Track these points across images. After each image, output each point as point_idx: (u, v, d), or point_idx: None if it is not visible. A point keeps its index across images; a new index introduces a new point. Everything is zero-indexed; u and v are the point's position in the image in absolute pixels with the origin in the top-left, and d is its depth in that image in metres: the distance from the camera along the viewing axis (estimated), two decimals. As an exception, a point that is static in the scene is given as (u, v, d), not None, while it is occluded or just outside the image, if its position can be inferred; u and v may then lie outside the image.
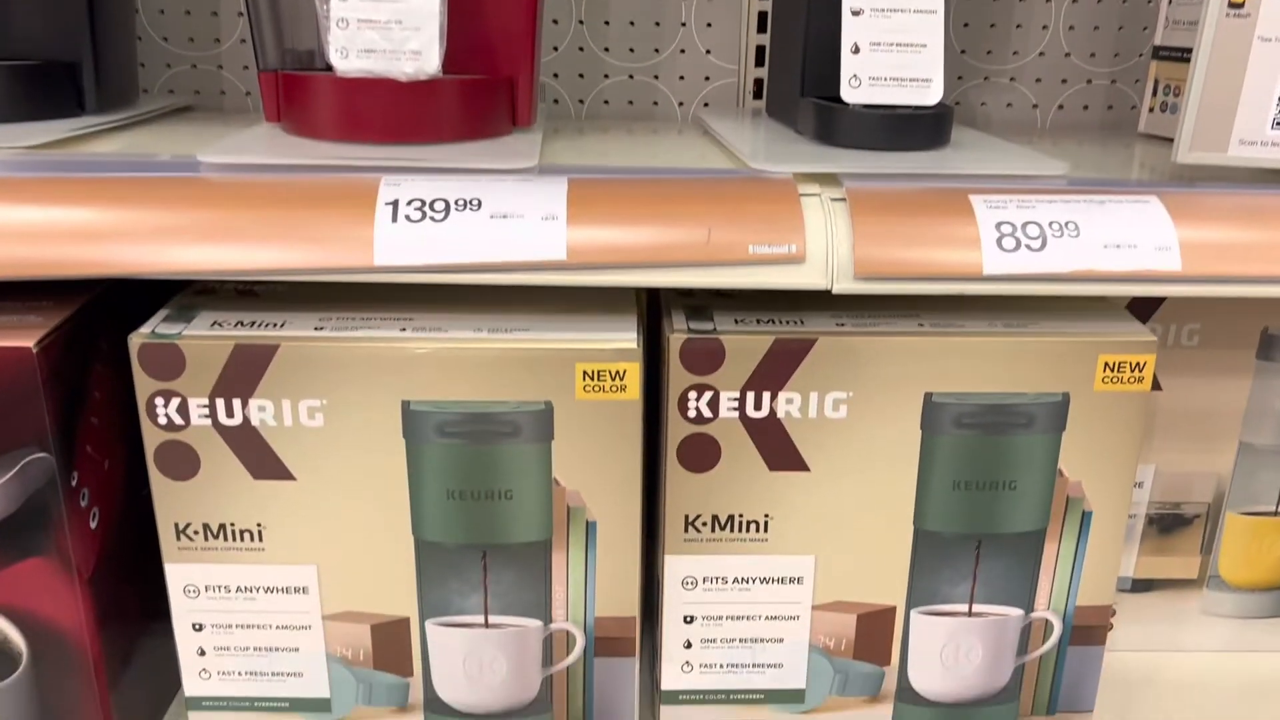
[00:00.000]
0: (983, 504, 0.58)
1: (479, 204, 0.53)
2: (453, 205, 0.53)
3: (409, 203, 0.53)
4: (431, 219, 0.52)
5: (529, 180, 0.55)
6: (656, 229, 0.53)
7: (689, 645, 0.61)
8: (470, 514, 0.57)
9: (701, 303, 0.60)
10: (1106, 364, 0.56)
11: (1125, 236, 0.53)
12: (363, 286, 0.60)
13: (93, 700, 0.59)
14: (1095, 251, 0.53)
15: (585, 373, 0.54)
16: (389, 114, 0.60)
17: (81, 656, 0.58)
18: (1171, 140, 0.58)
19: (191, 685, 0.61)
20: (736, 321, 0.57)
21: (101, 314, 0.59)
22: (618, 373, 0.55)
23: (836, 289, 0.53)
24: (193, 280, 0.61)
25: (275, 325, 0.55)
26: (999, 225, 0.53)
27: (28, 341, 0.52)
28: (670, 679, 0.62)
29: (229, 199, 0.53)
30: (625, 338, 0.55)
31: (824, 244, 0.53)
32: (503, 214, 0.53)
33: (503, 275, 0.53)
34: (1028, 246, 0.53)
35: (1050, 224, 0.54)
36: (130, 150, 0.62)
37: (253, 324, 0.55)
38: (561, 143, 0.70)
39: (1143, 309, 0.67)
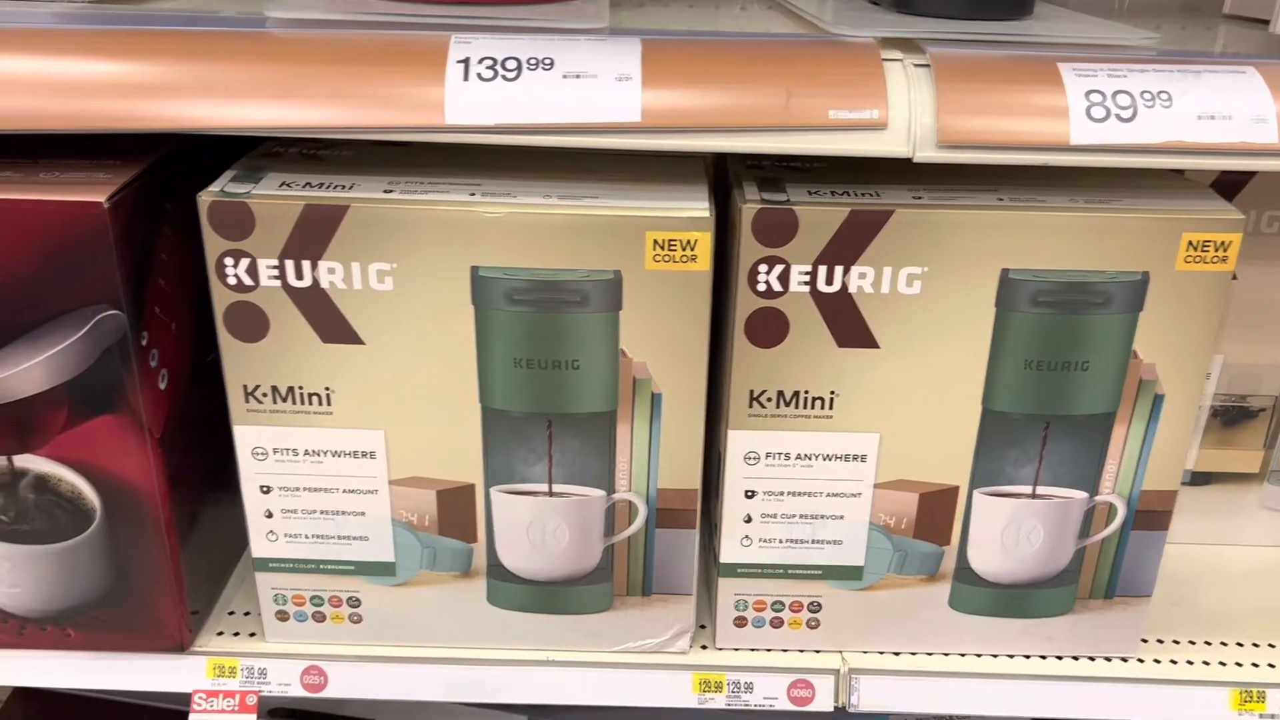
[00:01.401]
0: (1054, 384, 0.58)
1: (551, 63, 0.51)
2: (524, 64, 0.51)
3: (480, 61, 0.51)
4: (504, 78, 0.51)
5: (602, 40, 0.53)
6: (733, 92, 0.52)
7: (749, 520, 0.62)
8: (537, 383, 0.57)
9: (771, 174, 0.59)
10: (1190, 242, 0.55)
11: (1220, 107, 0.51)
12: (429, 150, 0.59)
13: (164, 557, 0.61)
14: (1188, 123, 0.51)
15: (656, 241, 0.54)
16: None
17: (153, 514, 0.60)
18: (1260, 21, 0.56)
19: (259, 546, 0.62)
20: (810, 193, 0.56)
21: (168, 176, 0.59)
22: (689, 242, 0.54)
23: (918, 157, 0.52)
24: (260, 143, 0.61)
25: (344, 187, 0.55)
26: (1088, 94, 0.51)
27: (99, 197, 0.52)
28: (729, 552, 0.63)
29: (296, 55, 0.52)
30: (698, 206, 0.54)
31: (906, 111, 0.52)
32: (575, 74, 0.51)
33: (575, 138, 0.51)
34: (1118, 116, 0.51)
35: (1142, 93, 0.52)
36: (196, 6, 0.61)
37: (320, 185, 0.55)
38: (624, 13, 0.68)
39: (1223, 193, 0.65)
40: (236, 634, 0.66)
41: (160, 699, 0.78)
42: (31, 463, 0.58)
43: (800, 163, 0.61)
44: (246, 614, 0.68)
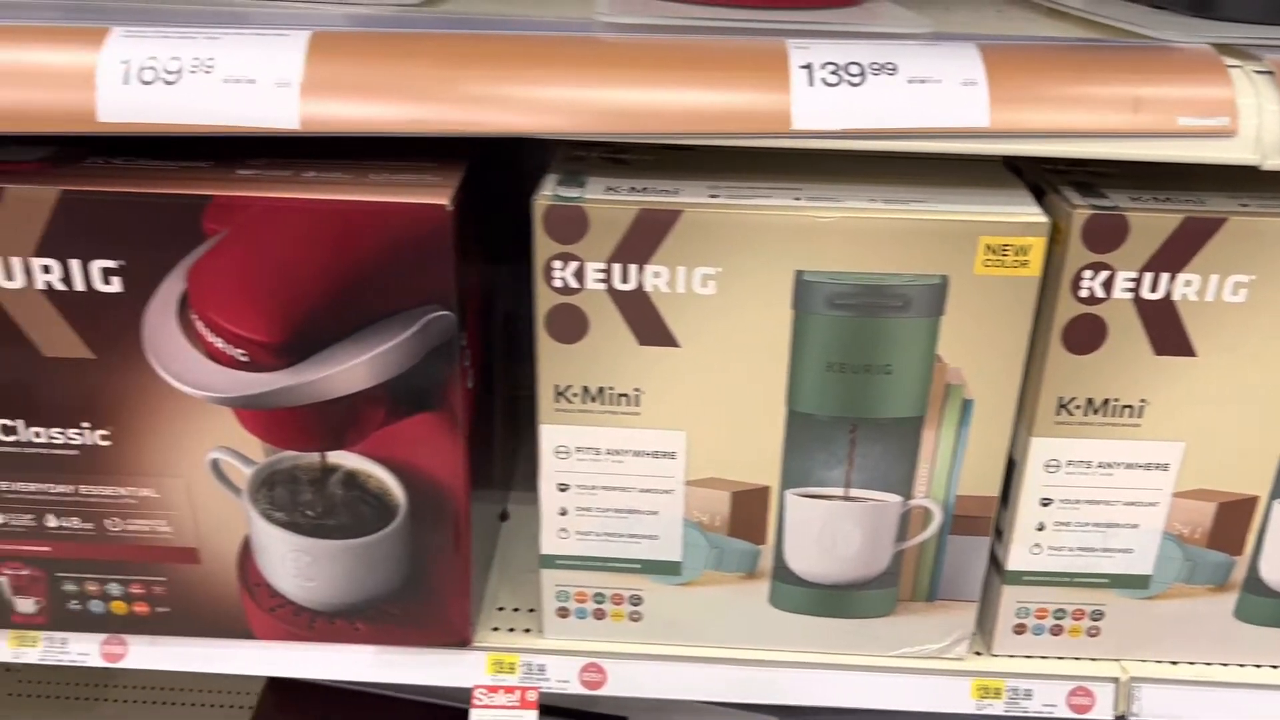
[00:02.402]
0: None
1: (895, 68, 0.51)
2: (868, 69, 0.51)
3: (823, 66, 0.51)
4: (848, 83, 0.51)
5: (937, 45, 0.53)
6: (1080, 98, 0.51)
7: (1041, 528, 0.61)
8: (847, 387, 0.57)
9: (1079, 179, 0.59)
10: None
11: None
12: (736, 154, 0.59)
13: (459, 554, 0.62)
14: None
15: (988, 246, 0.53)
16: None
17: (455, 511, 0.60)
18: None
19: (549, 543, 0.63)
20: (1132, 199, 0.55)
21: (473, 178, 0.60)
22: (1022, 248, 0.53)
23: (1267, 165, 0.51)
24: (561, 145, 0.61)
25: (670, 192, 0.55)
26: None
27: (442, 199, 0.53)
28: (1017, 559, 0.62)
29: (636, 60, 0.52)
30: (1031, 211, 0.54)
31: (1255, 118, 0.51)
32: (920, 79, 0.51)
33: (921, 142, 0.51)
34: None
35: None
36: (506, 12, 0.62)
37: (645, 190, 0.55)
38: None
39: None
40: (511, 630, 0.67)
41: (406, 690, 0.80)
42: (344, 459, 0.59)
43: (1062, 165, 0.61)
44: (515, 610, 0.68)
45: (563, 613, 0.65)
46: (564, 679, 0.65)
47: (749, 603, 0.63)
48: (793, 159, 0.59)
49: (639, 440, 0.59)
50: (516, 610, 0.68)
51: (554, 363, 0.58)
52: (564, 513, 0.62)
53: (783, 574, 0.63)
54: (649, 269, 0.55)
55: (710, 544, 0.62)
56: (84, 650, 0.65)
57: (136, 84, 0.51)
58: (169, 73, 0.51)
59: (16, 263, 0.54)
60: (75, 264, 0.54)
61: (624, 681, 0.65)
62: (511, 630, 0.67)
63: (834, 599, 0.63)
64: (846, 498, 0.60)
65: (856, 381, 0.57)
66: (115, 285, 0.55)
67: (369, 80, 0.52)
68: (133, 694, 1.15)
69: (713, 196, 0.55)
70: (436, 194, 0.53)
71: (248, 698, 1.14)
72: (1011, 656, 0.65)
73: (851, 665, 0.64)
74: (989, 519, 0.60)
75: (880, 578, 0.62)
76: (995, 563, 0.64)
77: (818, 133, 0.51)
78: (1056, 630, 0.64)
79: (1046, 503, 0.61)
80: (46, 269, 0.54)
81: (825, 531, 0.61)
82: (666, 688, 0.65)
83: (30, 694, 1.14)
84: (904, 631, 0.64)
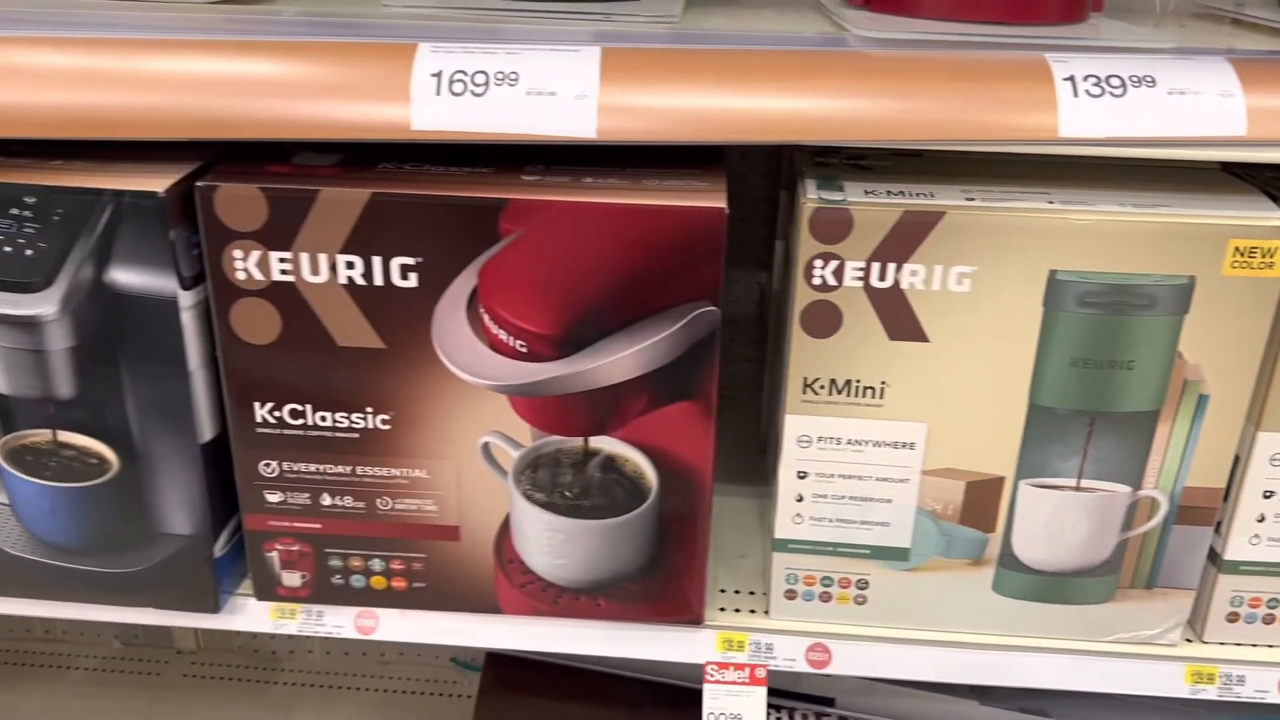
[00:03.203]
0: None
1: (1153, 81, 0.55)
2: (1128, 82, 0.55)
3: (1085, 79, 0.55)
4: (1111, 94, 0.54)
5: (1188, 59, 0.56)
6: (1334, 108, 0.54)
7: (1261, 519, 0.64)
8: (1089, 382, 0.60)
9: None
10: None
11: None
12: (967, 160, 0.63)
13: (700, 535, 0.65)
14: None
15: (1237, 249, 0.56)
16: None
17: (701, 494, 0.64)
18: None
19: (783, 528, 0.66)
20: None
21: (723, 183, 0.64)
22: (1269, 250, 0.56)
23: None
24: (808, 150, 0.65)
25: (926, 195, 0.59)
26: None
27: (720, 203, 0.57)
28: (1235, 550, 0.65)
29: (903, 71, 0.56)
30: (1274, 215, 0.57)
31: None
32: (1180, 90, 0.54)
33: (1179, 150, 0.55)
34: None
35: None
36: (757, 28, 0.66)
37: (902, 193, 0.59)
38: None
39: None
40: (737, 610, 0.71)
41: (621, 666, 0.84)
42: (604, 444, 0.63)
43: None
44: (736, 592, 0.72)
45: (790, 595, 0.68)
46: (790, 658, 0.69)
47: (972, 588, 0.67)
48: (1017, 164, 0.63)
49: (880, 431, 0.63)
50: (738, 592, 0.72)
51: (805, 356, 0.61)
52: (800, 499, 0.65)
53: (1008, 561, 0.66)
54: (907, 267, 0.58)
55: (940, 531, 0.65)
56: (339, 623, 0.70)
57: (448, 95, 0.56)
58: (477, 85, 0.56)
59: (323, 259, 0.59)
60: (377, 261, 0.59)
61: (849, 661, 0.68)
62: (737, 611, 0.70)
63: (1056, 586, 0.66)
64: (1078, 488, 0.63)
65: (1099, 377, 0.60)
66: (411, 281, 0.59)
67: (657, 93, 0.56)
68: (301, 678, 1.20)
69: (969, 199, 0.58)
70: (713, 198, 0.58)
71: (412, 683, 1.19)
72: (1222, 644, 0.68)
73: (1070, 650, 0.67)
74: (1214, 510, 0.63)
75: (1102, 565, 0.65)
76: (1211, 552, 0.67)
77: (1083, 140, 0.54)
78: (1269, 619, 0.67)
79: (1269, 495, 0.63)
80: (350, 265, 0.59)
81: (1054, 520, 0.64)
82: (889, 668, 0.68)
83: (203, 675, 1.20)
84: (1121, 618, 0.67)
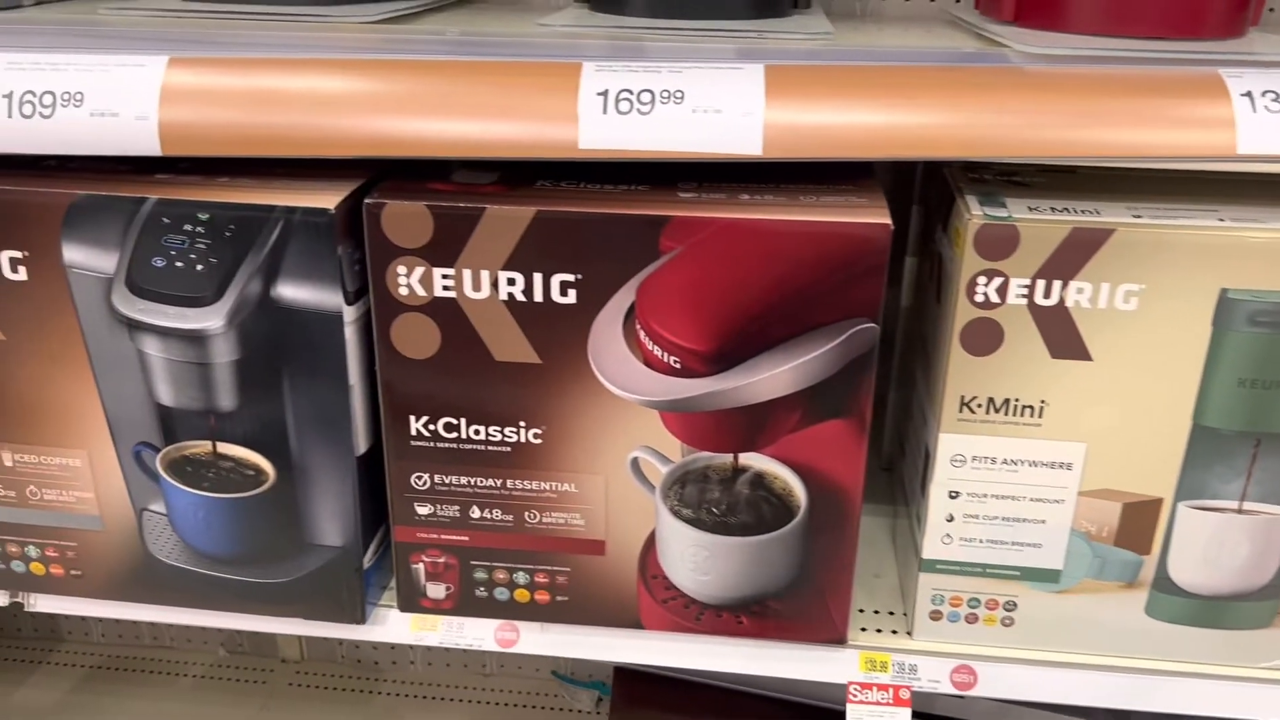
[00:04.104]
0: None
1: (1334, 96, 0.54)
2: (1306, 97, 0.54)
3: (1264, 94, 0.54)
4: (1291, 110, 0.54)
5: (1367, 73, 0.55)
6: None
7: None
8: (1256, 402, 0.59)
9: None
10: None
11: None
12: (1120, 176, 0.62)
13: (848, 554, 0.65)
14: None
15: None
16: (1162, 8, 0.61)
17: (850, 512, 0.64)
18: None
19: (931, 548, 0.66)
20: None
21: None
22: None
23: None
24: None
25: (1091, 212, 0.58)
26: None
27: (885, 219, 0.57)
28: (1404, 577, 0.63)
29: (1066, 89, 0.56)
30: None
31: None
32: (1362, 106, 0.53)
33: (1363, 167, 0.54)
34: None
35: None
36: (906, 44, 0.65)
37: (1065, 210, 0.58)
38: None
39: None
40: (879, 630, 0.70)
41: (750, 683, 0.83)
42: (753, 460, 0.63)
43: None
44: (876, 612, 0.72)
45: (935, 615, 0.68)
46: (935, 679, 0.68)
47: (1124, 611, 0.65)
48: (1173, 181, 0.62)
49: (1038, 451, 0.62)
50: (876, 612, 0.72)
51: (963, 374, 0.61)
52: (950, 519, 0.65)
53: (1163, 584, 0.64)
54: (1073, 285, 0.58)
55: (1094, 553, 0.64)
56: (479, 635, 0.71)
57: (614, 114, 0.56)
58: (642, 103, 0.56)
59: (485, 275, 0.60)
60: (538, 277, 0.59)
61: (995, 683, 0.67)
62: (878, 631, 0.70)
63: (1213, 610, 0.65)
64: (1240, 510, 0.62)
65: (1267, 397, 0.59)
66: (570, 297, 0.60)
67: (822, 110, 0.56)
68: (404, 688, 1.21)
69: (1136, 216, 0.57)
70: (876, 214, 0.57)
71: (513, 695, 1.20)
72: (1384, 674, 0.66)
73: (1225, 675, 0.66)
74: (1384, 535, 0.62)
75: (1263, 590, 0.64)
76: (1375, 580, 0.65)
77: (1263, 156, 0.54)
78: None
79: None
80: (511, 281, 0.60)
81: (1214, 543, 0.63)
82: (1039, 691, 0.67)
83: (308, 685, 1.22)
84: (1278, 644, 0.65)
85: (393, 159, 0.59)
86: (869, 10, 0.90)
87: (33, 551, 0.70)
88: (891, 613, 0.72)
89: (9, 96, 0.59)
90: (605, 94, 0.56)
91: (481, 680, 1.23)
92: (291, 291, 0.60)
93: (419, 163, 0.63)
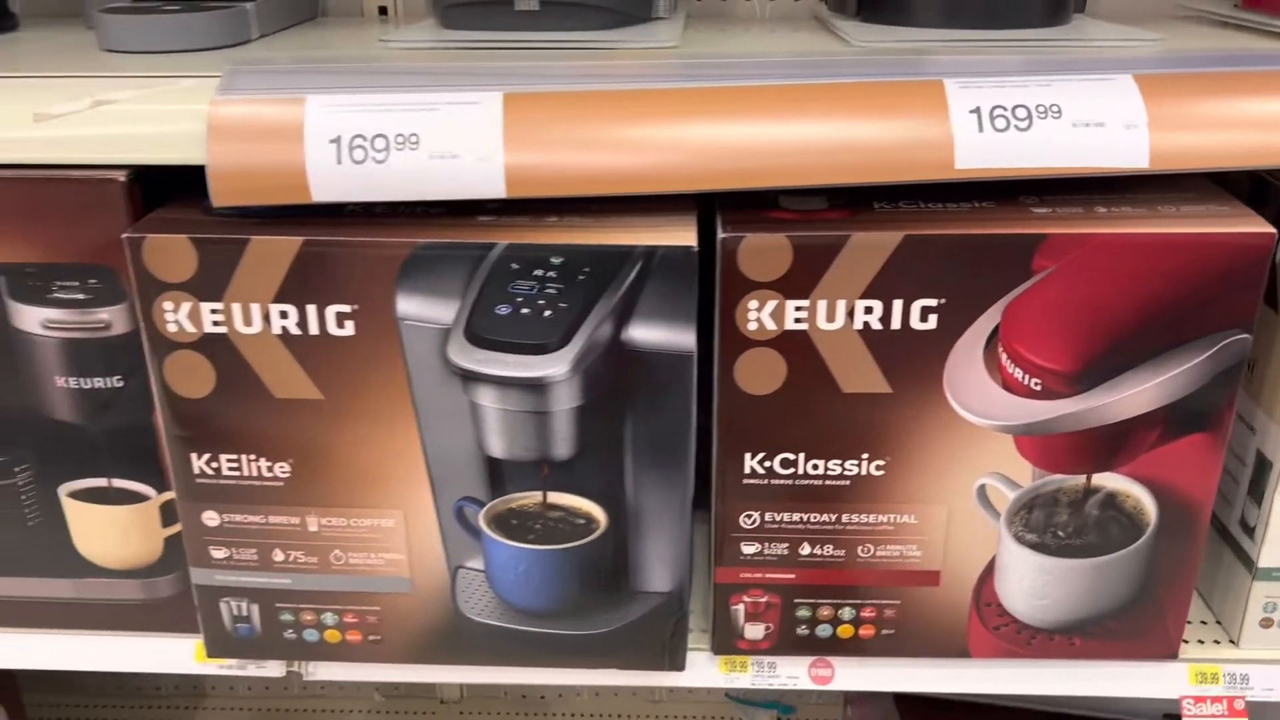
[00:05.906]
0: None
1: None
2: None
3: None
4: None
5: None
6: None
7: None
8: None
9: None
10: None
11: None
12: None
13: (1192, 569, 0.63)
14: None
15: None
16: None
17: (1197, 526, 0.62)
18: None
19: (1270, 556, 0.65)
20: None
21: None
22: None
23: None
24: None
25: None
26: None
27: (1264, 227, 0.56)
28: None
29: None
30: None
31: None
32: None
33: None
34: None
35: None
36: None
37: None
38: None
39: None
40: (1200, 641, 0.69)
41: (1043, 702, 0.82)
42: (1106, 480, 0.62)
43: None
44: (1188, 622, 0.70)
45: (1266, 623, 0.67)
46: (1269, 687, 0.67)
47: None
48: None
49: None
50: (1189, 622, 0.70)
51: None
52: (1294, 525, 0.64)
53: None
54: None
55: None
56: (793, 674, 0.68)
57: (990, 131, 0.55)
58: (1019, 119, 0.55)
59: (841, 305, 0.57)
60: (897, 304, 0.57)
61: (1328, 689, 0.67)
62: (1200, 642, 0.69)
63: None
64: None
65: None
66: (930, 323, 0.58)
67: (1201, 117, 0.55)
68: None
69: None
70: (1251, 222, 0.56)
71: (694, 722, 1.18)
72: None
73: None
74: None
75: None
76: None
77: None
78: None
79: None
80: (869, 310, 0.57)
81: None
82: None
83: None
84: None
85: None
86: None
87: (329, 619, 0.66)
88: (1204, 622, 0.70)
89: (337, 141, 0.56)
90: (977, 112, 0.55)
91: (651, 708, 1.20)
92: (644, 333, 0.57)
93: (730, 193, 0.61)
